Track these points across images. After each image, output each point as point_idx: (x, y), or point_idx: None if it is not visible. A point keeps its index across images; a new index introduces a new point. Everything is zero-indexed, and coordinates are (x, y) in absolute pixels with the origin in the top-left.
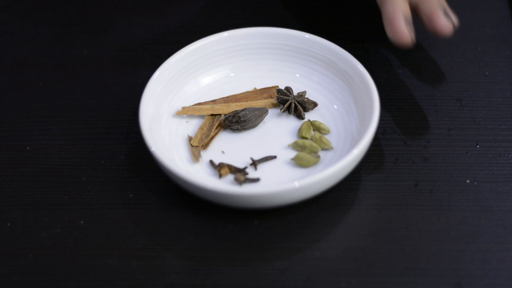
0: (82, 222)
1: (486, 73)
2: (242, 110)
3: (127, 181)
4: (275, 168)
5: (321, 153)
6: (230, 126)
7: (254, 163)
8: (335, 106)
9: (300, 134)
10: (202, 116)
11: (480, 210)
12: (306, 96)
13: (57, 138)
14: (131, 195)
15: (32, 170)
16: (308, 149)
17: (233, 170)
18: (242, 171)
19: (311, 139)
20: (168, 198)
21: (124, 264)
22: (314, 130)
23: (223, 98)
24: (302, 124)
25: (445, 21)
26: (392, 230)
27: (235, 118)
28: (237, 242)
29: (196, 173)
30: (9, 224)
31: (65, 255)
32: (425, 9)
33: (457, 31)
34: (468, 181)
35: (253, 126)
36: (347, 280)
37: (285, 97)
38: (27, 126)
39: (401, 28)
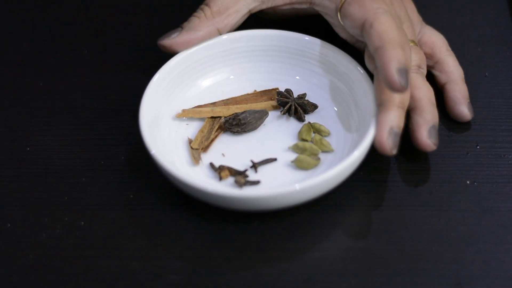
0: (82, 222)
1: (486, 73)
2: (242, 113)
3: (127, 182)
4: (275, 171)
5: (322, 155)
6: (230, 128)
7: (255, 166)
8: (335, 108)
9: (301, 136)
10: (202, 119)
11: (480, 211)
12: (306, 98)
13: (57, 138)
14: (131, 196)
15: (32, 171)
16: (308, 152)
17: (233, 172)
18: (243, 173)
19: (311, 141)
20: (168, 199)
21: (124, 264)
22: (314, 132)
23: (223, 100)
24: (302, 126)
25: (425, 140)
26: (392, 231)
27: (235, 121)
28: (237, 243)
29: (196, 175)
30: (9, 224)
31: (65, 256)
32: (413, 120)
33: (457, 32)
34: (468, 182)
35: (253, 128)
36: (347, 280)
37: (285, 99)
38: (27, 126)
39: (382, 140)
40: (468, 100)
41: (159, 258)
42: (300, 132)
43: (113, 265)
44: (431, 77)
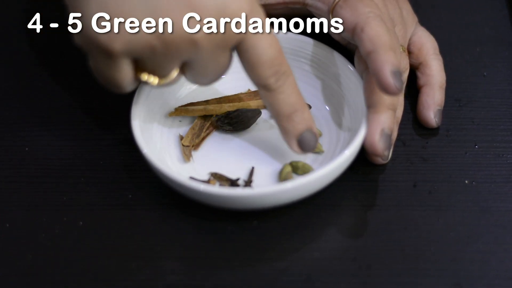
0: (81, 223)
1: (485, 73)
2: (235, 111)
3: (126, 182)
4: (267, 171)
5: (314, 156)
6: (222, 126)
7: (248, 183)
8: (327, 108)
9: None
10: (195, 116)
11: (479, 210)
12: None
13: (56, 138)
14: (130, 196)
15: (31, 171)
16: (300, 170)
17: (224, 179)
18: (235, 182)
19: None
20: (167, 198)
21: (123, 265)
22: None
23: (216, 98)
24: (284, 167)
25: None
26: (391, 231)
27: (227, 119)
28: (236, 242)
29: (187, 173)
30: (8, 225)
31: (64, 256)
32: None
33: (456, 32)
34: (467, 182)
35: (245, 127)
36: (347, 280)
37: None
38: (27, 126)
39: (374, 142)
40: (439, 108)
41: (158, 258)
42: (281, 173)
43: (112, 265)
44: (414, 78)
